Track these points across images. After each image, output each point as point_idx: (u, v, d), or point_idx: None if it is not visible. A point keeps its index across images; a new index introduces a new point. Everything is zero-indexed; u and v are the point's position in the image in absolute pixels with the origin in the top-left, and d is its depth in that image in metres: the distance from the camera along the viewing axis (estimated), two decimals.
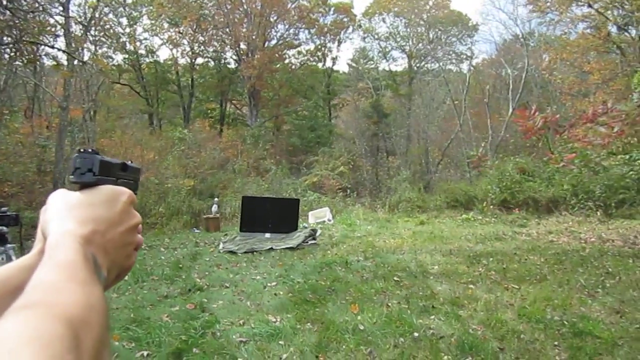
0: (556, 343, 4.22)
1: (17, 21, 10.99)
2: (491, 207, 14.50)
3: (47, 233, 0.54)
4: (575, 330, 4.43)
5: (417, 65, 32.02)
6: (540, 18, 22.18)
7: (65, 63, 16.84)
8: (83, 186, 0.61)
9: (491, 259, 7.78)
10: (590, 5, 16.49)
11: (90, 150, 0.62)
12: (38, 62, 15.54)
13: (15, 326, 0.37)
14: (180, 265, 8.07)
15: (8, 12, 10.93)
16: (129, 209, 0.63)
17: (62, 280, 0.45)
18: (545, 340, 4.29)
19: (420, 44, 31.76)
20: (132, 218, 0.63)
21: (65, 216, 0.56)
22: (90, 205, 0.59)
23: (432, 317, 4.95)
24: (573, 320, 4.69)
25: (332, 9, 30.76)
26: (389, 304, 5.38)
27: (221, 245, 9.86)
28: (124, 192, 0.63)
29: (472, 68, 27.90)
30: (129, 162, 0.69)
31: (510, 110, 20.78)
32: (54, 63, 15.80)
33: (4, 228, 3.68)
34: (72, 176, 0.61)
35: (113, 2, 24.54)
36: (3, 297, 0.54)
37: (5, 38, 12.65)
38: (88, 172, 0.61)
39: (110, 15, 25.59)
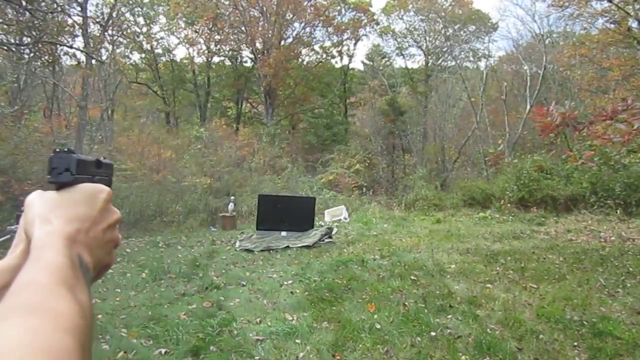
0: (576, 343, 4.17)
1: (36, 22, 11.13)
2: (509, 205, 14.34)
3: (31, 233, 0.55)
4: (595, 330, 4.38)
5: (434, 62, 31.82)
6: (559, 13, 21.89)
7: (84, 62, 17.05)
8: (61, 186, 0.61)
9: (509, 257, 7.70)
10: (610, 0, 16.22)
11: (66, 149, 0.62)
12: (57, 62, 15.73)
13: (24, 334, 0.37)
14: (198, 264, 8.12)
15: (27, 13, 11.08)
16: (108, 206, 0.63)
17: (53, 283, 0.44)
18: (565, 340, 4.24)
19: (437, 41, 31.56)
20: (112, 215, 0.63)
21: (49, 216, 0.56)
22: (72, 204, 0.59)
23: (450, 316, 4.92)
24: (593, 320, 4.63)
25: (350, 7, 30.64)
26: (406, 303, 5.36)
27: (238, 244, 9.91)
28: (103, 190, 0.63)
29: (489, 65, 27.64)
30: (102, 158, 0.69)
31: (528, 107, 20.53)
32: (74, 62, 16.00)
33: None
34: (49, 176, 0.60)
35: (130, 2, 24.74)
36: None
37: (24, 39, 12.84)
38: (65, 171, 0.60)
39: (128, 15, 25.81)
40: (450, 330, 4.50)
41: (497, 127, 24.44)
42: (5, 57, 16.05)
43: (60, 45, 13.33)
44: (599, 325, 4.47)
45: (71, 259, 0.50)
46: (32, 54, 13.71)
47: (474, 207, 15.93)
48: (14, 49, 13.14)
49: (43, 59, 13.80)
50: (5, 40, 12.80)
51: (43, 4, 11.83)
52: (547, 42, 23.29)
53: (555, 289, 5.78)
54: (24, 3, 10.93)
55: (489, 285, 6.08)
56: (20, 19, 11.46)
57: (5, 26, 12.33)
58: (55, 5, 12.33)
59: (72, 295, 0.44)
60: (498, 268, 7.07)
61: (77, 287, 0.47)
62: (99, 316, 5.10)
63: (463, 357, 3.95)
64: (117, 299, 5.92)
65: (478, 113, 23.21)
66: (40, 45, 12.17)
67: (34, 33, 11.55)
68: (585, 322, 4.59)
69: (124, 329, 4.73)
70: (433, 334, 4.42)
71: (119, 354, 4.09)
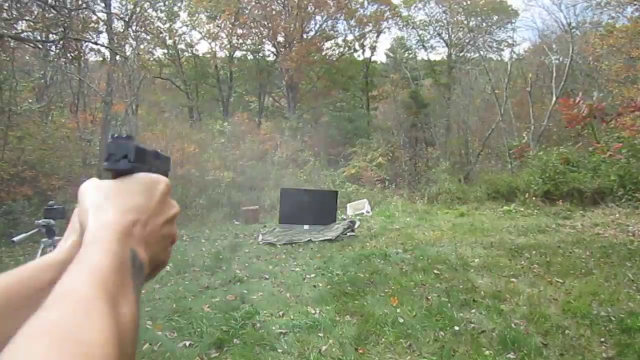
0: (603, 339, 4.10)
1: (61, 19, 11.28)
2: (533, 198, 14.13)
3: (85, 224, 0.51)
4: (623, 326, 4.29)
5: (457, 54, 31.45)
6: (586, 2, 21.47)
7: (108, 58, 17.25)
8: (118, 174, 0.57)
9: (534, 252, 7.60)
10: None
11: (125, 135, 0.58)
12: (82, 59, 15.95)
13: None
14: (221, 257, 8.20)
15: (53, 10, 11.24)
16: (167, 198, 0.59)
17: (92, 296, 0.41)
18: (592, 336, 4.17)
19: (459, 33, 31.18)
20: (170, 208, 0.60)
21: (104, 205, 0.53)
22: (129, 194, 0.55)
23: (473, 310, 4.88)
24: (621, 316, 4.54)
25: (372, 0, 30.44)
26: (429, 297, 5.33)
27: (260, 237, 9.96)
28: (162, 181, 0.59)
29: (513, 56, 27.17)
30: (160, 150, 0.65)
31: (554, 99, 20.16)
32: (99, 58, 16.23)
33: (52, 221, 3.81)
34: (106, 163, 0.56)
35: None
36: (35, 292, 0.52)
37: (50, 35, 13.04)
38: (123, 158, 0.56)
39: (150, 11, 25.99)
40: (474, 325, 4.47)
41: (521, 119, 24.04)
42: (31, 54, 16.35)
43: (85, 41, 13.52)
44: (627, 321, 4.38)
45: (122, 257, 0.47)
46: (57, 51, 13.92)
47: (498, 200, 15.74)
48: (40, 46, 13.36)
49: (68, 55, 13.99)
50: (31, 37, 13.01)
51: (68, 0, 12.01)
52: (573, 32, 22.83)
53: (582, 284, 5.69)
54: (49, 0, 11.10)
55: (513, 280, 6.01)
56: (46, 15, 11.63)
57: (31, 23, 12.54)
58: (80, 2, 12.50)
59: (112, 313, 0.41)
60: (523, 262, 6.98)
61: (121, 296, 0.44)
62: None
63: (487, 352, 3.91)
64: (142, 291, 5.99)
65: (502, 105, 22.86)
66: (65, 42, 12.34)
67: (59, 30, 11.71)
68: (613, 318, 4.51)
69: (149, 322, 4.79)
70: (456, 328, 4.38)
71: (144, 346, 4.14)
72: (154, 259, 0.56)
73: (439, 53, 33.75)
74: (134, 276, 0.49)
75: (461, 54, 31.26)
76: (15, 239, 3.83)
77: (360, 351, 4.00)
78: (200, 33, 30.09)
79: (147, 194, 0.56)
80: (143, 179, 0.57)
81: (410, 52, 34.59)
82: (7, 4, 11.59)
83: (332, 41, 31.35)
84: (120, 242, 0.48)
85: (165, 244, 0.59)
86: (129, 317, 0.43)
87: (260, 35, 29.38)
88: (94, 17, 14.91)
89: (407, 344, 4.09)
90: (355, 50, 32.28)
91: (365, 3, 30.43)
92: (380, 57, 37.51)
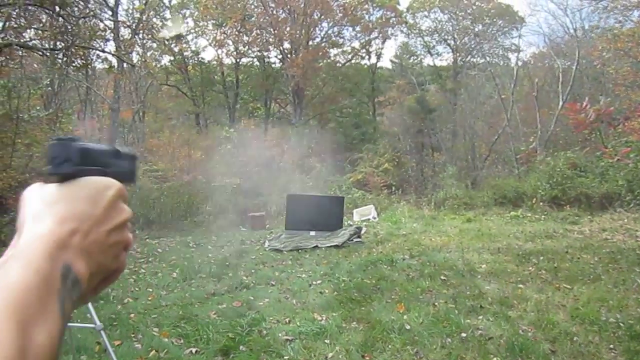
0: (612, 346, 4.06)
1: (69, 27, 11.37)
2: (541, 203, 14.07)
3: (21, 235, 0.48)
4: (632, 332, 4.26)
5: (463, 59, 31.44)
6: (592, 6, 21.39)
7: (115, 66, 17.37)
8: (62, 178, 0.52)
9: (541, 257, 7.56)
10: None
11: (68, 137, 0.54)
12: (90, 66, 16.06)
13: None
14: (227, 263, 8.20)
15: (60, 18, 11.33)
16: (117, 203, 0.54)
17: (2, 317, 0.37)
18: (600, 342, 4.14)
19: (465, 38, 31.17)
20: (120, 214, 0.54)
21: (42, 214, 0.49)
22: (71, 200, 0.50)
23: (481, 317, 4.85)
24: (630, 322, 4.51)
25: (378, 6, 30.47)
26: (436, 304, 5.31)
27: (267, 244, 9.96)
28: (111, 185, 0.54)
29: (519, 61, 27.11)
30: (124, 148, 0.61)
31: (561, 103, 20.06)
32: (106, 66, 16.34)
33: None
34: (48, 167, 0.52)
35: (158, 7, 25.05)
36: None
37: (58, 43, 13.14)
38: (66, 162, 0.52)
39: (155, 19, 26.15)
40: (481, 332, 4.44)
41: (528, 124, 23.96)
42: (39, 62, 16.46)
43: (93, 49, 13.59)
44: (637, 327, 4.35)
45: (46, 274, 0.43)
46: (65, 58, 14.03)
47: (505, 205, 15.67)
48: (48, 54, 13.44)
49: (76, 62, 14.10)
50: (39, 45, 13.12)
51: (76, 9, 12.10)
52: (580, 36, 22.77)
53: (590, 290, 5.65)
54: (57, 8, 11.19)
55: (521, 286, 5.98)
56: (54, 24, 11.73)
57: (39, 31, 12.64)
58: (87, 10, 12.59)
59: (19, 341, 0.37)
60: (530, 268, 6.95)
61: (37, 321, 0.40)
62: (132, 315, 5.19)
63: (494, 358, 3.89)
64: (149, 298, 6.01)
65: (509, 110, 22.80)
66: (73, 50, 12.43)
67: (67, 38, 11.80)
68: (622, 324, 4.47)
69: (155, 328, 4.80)
70: (464, 335, 4.36)
71: (151, 353, 4.15)
72: (101, 269, 0.52)
73: (445, 59, 33.75)
74: (64, 293, 0.44)
75: (467, 59, 31.25)
76: None
77: (367, 358, 4.00)
78: (207, 40, 30.27)
79: (92, 200, 0.52)
80: (89, 184, 0.53)
81: (416, 57, 34.65)
82: (15, 13, 11.70)
83: (339, 49, 31.44)
84: (50, 256, 0.45)
85: (115, 252, 0.54)
86: (43, 344, 0.40)
87: (266, 42, 29.48)
88: (101, 25, 15.00)
89: (414, 351, 4.07)
90: (362, 57, 32.39)
91: (371, 9, 30.49)
92: (386, 63, 37.44)
